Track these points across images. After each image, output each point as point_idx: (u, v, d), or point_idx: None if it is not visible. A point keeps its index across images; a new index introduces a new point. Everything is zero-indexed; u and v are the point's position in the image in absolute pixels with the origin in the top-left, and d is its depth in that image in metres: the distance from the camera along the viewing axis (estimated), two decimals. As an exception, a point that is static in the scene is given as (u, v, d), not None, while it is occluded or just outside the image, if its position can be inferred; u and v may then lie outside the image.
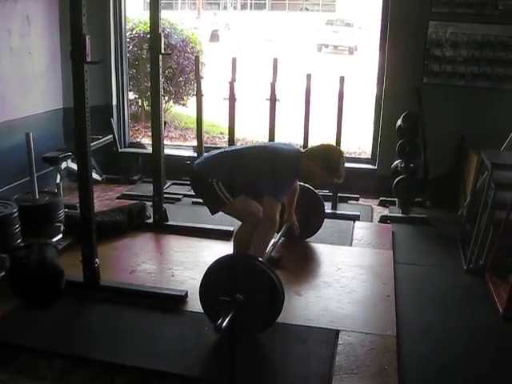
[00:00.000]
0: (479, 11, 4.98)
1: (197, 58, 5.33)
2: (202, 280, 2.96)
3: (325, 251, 4.11)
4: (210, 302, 2.92)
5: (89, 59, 2.97)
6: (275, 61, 5.00)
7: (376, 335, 2.99)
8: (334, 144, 5.05)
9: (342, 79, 4.83)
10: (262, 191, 3.29)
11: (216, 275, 2.92)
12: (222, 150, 3.69)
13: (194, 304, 3.21)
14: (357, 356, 2.81)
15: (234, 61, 5.09)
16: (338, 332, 3.00)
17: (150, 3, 3.97)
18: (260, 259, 2.99)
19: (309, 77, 5.04)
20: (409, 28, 5.15)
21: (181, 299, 3.27)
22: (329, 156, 3.43)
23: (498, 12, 4.95)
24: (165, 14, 7.39)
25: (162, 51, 4.06)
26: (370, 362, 2.76)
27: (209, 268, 2.96)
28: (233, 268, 2.91)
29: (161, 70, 4.10)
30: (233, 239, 3.67)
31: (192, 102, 7.72)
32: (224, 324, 2.64)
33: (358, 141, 7.34)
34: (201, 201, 5.08)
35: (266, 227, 3.24)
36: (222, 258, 2.98)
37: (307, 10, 30.57)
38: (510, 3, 4.91)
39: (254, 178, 3.33)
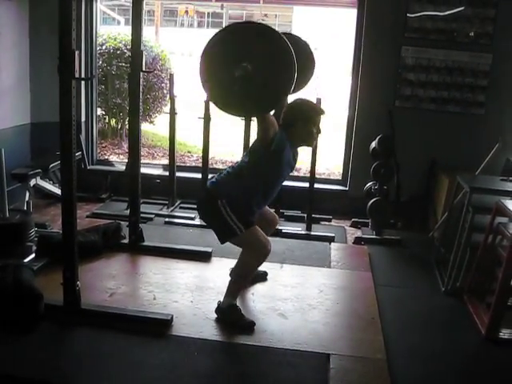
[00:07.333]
0: (450, 38, 5.13)
1: (171, 75, 5.26)
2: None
3: (305, 273, 4.08)
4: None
5: (77, 75, 2.89)
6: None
7: (367, 359, 2.97)
8: (310, 165, 5.10)
9: (318, 100, 4.83)
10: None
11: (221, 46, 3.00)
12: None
13: (181, 328, 3.14)
14: (350, 381, 2.78)
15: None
16: (328, 356, 2.97)
17: (132, 20, 3.91)
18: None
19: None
20: (382, 52, 5.25)
21: (166, 323, 3.17)
22: (300, 109, 3.24)
23: (468, 39, 5.12)
24: (125, 30, 7.38)
25: (143, 68, 3.98)
26: (364, 387, 2.75)
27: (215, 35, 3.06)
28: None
29: (141, 87, 4.03)
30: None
31: (159, 119, 7.65)
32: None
33: (325, 162, 7.39)
34: (172, 220, 5.10)
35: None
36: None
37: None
38: (479, 32, 5.08)
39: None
